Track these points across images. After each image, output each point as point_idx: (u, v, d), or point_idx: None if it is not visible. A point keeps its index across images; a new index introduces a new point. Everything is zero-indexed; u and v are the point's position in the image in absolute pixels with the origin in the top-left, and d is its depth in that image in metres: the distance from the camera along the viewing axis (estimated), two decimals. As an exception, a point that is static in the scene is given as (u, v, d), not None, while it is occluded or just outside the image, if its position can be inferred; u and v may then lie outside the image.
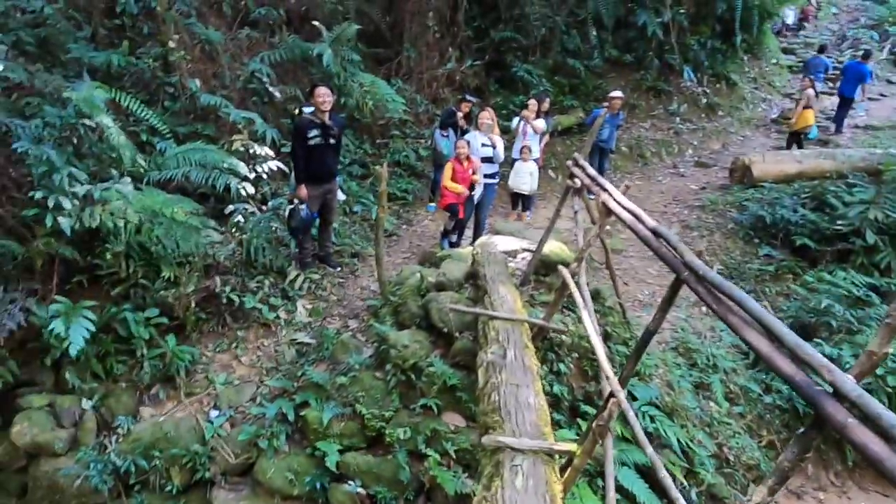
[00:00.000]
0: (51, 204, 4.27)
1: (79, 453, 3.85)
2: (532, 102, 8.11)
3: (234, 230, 5.78)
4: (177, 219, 5.08)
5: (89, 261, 4.69)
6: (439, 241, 6.66)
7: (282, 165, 6.14)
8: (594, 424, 2.43)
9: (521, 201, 8.11)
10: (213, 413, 4.12)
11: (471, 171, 6.35)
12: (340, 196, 5.98)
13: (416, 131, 9.31)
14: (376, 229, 4.89)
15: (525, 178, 7.81)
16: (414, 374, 3.83)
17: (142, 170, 5.87)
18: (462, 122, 7.78)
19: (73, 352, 3.94)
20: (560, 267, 3.83)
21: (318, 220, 5.77)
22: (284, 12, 9.02)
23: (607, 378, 2.65)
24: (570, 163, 4.42)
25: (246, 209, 6.02)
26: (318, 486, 3.65)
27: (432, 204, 8.04)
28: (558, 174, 10.34)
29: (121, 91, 7.51)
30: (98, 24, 8.10)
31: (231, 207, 5.92)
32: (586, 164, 4.16)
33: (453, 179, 6.32)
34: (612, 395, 2.51)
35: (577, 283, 3.54)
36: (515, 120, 8.23)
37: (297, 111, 5.44)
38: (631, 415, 2.41)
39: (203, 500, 3.85)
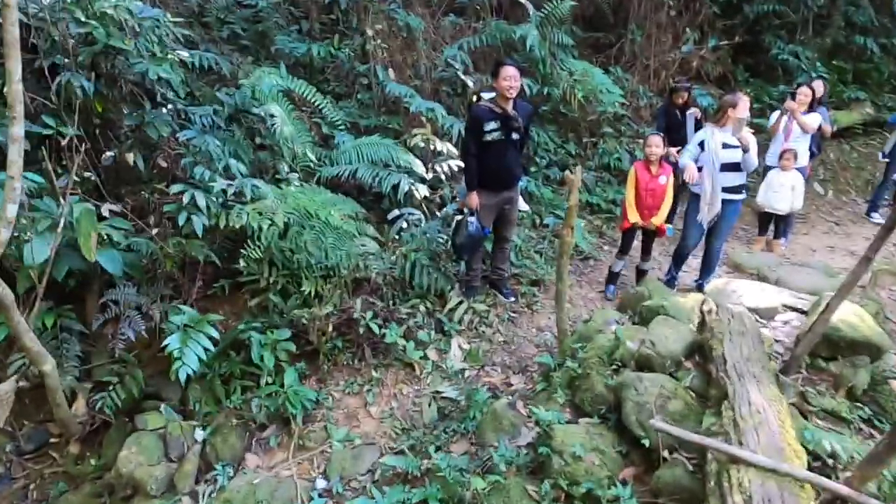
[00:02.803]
0: (185, 200, 3.70)
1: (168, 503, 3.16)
2: (804, 90, 5.78)
3: (394, 240, 4.82)
4: (331, 223, 4.27)
5: (231, 266, 4.08)
6: (606, 284, 4.95)
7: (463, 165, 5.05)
8: None
9: (774, 223, 5.89)
10: (320, 483, 3.13)
11: (663, 181, 4.50)
12: (523, 206, 4.66)
13: (633, 129, 7.51)
14: (559, 257, 3.45)
15: (784, 192, 5.58)
16: None
17: (311, 164, 5.25)
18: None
19: (182, 375, 3.27)
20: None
21: (492, 236, 4.52)
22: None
23: None
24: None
25: (413, 215, 5.03)
26: None
27: (670, 227, 6.21)
28: (828, 189, 7.62)
29: (318, 83, 7.24)
30: (315, 20, 7.91)
31: (395, 212, 4.98)
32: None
33: (637, 194, 4.56)
34: None
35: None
36: (774, 115, 5.99)
37: (474, 97, 4.23)
38: None
39: None
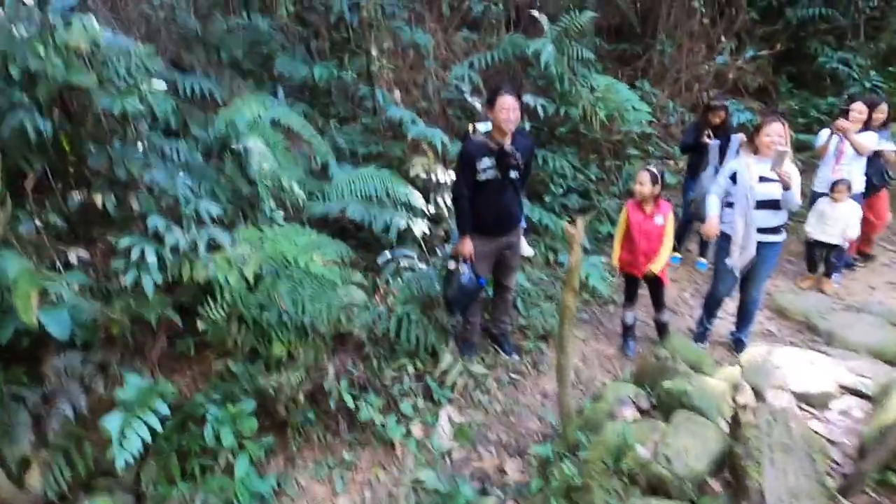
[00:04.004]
0: (134, 255, 3.25)
1: None
2: (858, 107, 5.00)
3: (384, 288, 4.29)
4: (311, 270, 3.77)
5: (196, 324, 3.61)
6: (622, 339, 4.27)
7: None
8: None
9: (825, 258, 5.12)
10: None
11: (659, 221, 3.83)
12: (526, 250, 4.07)
13: (662, 149, 6.81)
14: (560, 325, 2.86)
15: (837, 225, 4.82)
16: None
17: (300, 201, 4.78)
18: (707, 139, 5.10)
19: (118, 464, 2.80)
20: None
21: (490, 282, 3.95)
22: (506, 7, 7.37)
23: None
24: None
25: (407, 257, 4.50)
26: None
27: (702, 260, 5.51)
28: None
29: (323, 106, 6.82)
30: (325, 39, 7.52)
31: (386, 255, 4.45)
32: None
33: (627, 237, 3.90)
34: None
35: None
36: (823, 134, 5.21)
37: (470, 129, 3.67)
38: None
39: None
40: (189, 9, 6.83)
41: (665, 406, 2.70)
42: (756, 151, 3.77)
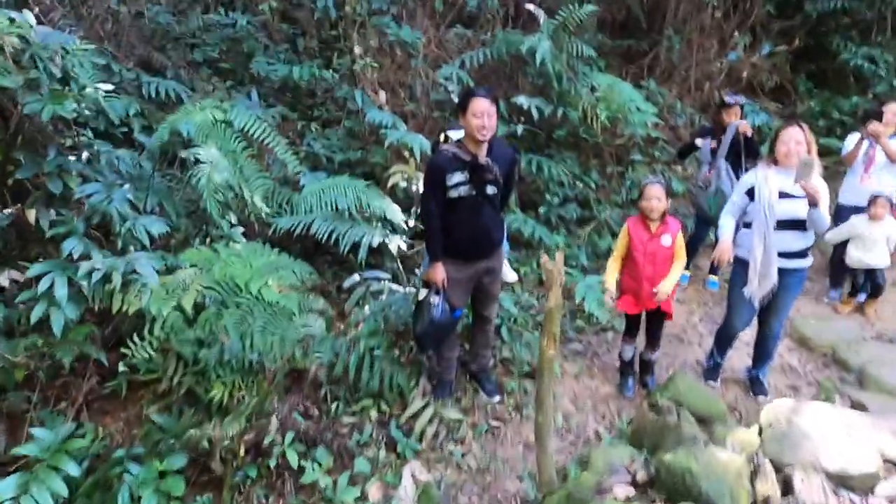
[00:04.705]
0: (41, 288, 2.76)
1: None
2: (894, 108, 4.41)
3: (350, 316, 3.78)
4: (264, 298, 3.26)
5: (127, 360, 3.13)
6: (620, 375, 3.69)
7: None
8: None
9: (863, 281, 4.51)
10: None
11: (666, 242, 3.26)
12: (509, 275, 3.54)
13: (669, 153, 6.23)
14: (539, 376, 2.33)
15: (876, 244, 4.24)
16: None
17: (263, 215, 4.28)
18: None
19: (10, 542, 2.32)
20: None
21: (467, 314, 3.42)
22: (503, 2, 6.81)
23: None
24: None
25: (379, 280, 3.98)
26: None
27: (713, 279, 4.93)
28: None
29: (307, 108, 6.33)
30: (313, 37, 7.03)
31: (354, 278, 3.93)
32: None
33: (630, 255, 3.32)
34: None
35: None
36: (852, 139, 4.61)
37: (440, 137, 3.15)
38: None
39: None
40: (162, 5, 6.37)
41: (665, 483, 2.16)
42: (775, 162, 3.21)
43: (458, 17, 7.13)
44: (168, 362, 3.16)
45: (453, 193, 2.94)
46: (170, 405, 3.12)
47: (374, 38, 6.19)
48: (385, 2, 6.38)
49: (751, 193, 3.21)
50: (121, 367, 2.94)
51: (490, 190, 2.98)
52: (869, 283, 4.43)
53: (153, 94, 5.02)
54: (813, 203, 2.97)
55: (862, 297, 4.52)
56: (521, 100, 5.42)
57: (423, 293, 3.16)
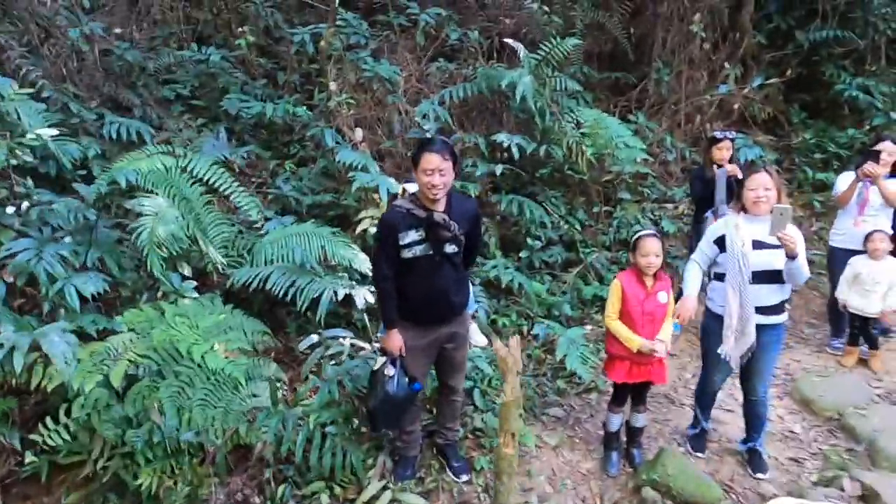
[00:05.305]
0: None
1: None
2: (888, 147, 4.12)
3: (309, 376, 3.42)
4: (207, 365, 2.93)
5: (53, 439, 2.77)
6: (604, 449, 3.28)
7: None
8: None
9: (863, 329, 4.16)
10: None
11: (663, 298, 2.93)
12: (477, 339, 3.21)
13: (660, 191, 5.93)
14: (496, 477, 1.96)
15: (877, 286, 3.90)
16: None
17: (219, 266, 3.97)
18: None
19: None
20: None
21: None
22: (486, 35, 6.60)
23: None
24: None
25: (337, 339, 3.62)
26: None
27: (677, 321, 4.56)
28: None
29: (282, 146, 6.07)
30: (295, 71, 6.81)
31: (312, 339, 3.58)
32: None
33: (625, 316, 2.96)
34: None
35: None
36: (844, 178, 4.29)
37: (400, 190, 2.85)
38: None
39: None
40: (133, 41, 6.17)
41: None
42: (744, 209, 2.91)
43: (440, 50, 6.93)
44: (94, 443, 2.81)
45: (408, 253, 2.62)
46: (92, 493, 2.75)
47: (351, 73, 5.96)
48: (363, 36, 6.17)
49: (721, 243, 2.91)
50: (28, 457, 2.58)
51: (449, 249, 2.66)
52: (863, 335, 4.11)
53: (114, 136, 4.77)
54: (791, 255, 2.68)
55: (864, 348, 4.17)
56: (502, 137, 5.15)
57: (380, 362, 2.82)
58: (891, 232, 4.10)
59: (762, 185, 2.79)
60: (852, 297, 3.98)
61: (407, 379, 2.78)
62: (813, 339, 4.61)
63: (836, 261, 4.26)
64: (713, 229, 3.02)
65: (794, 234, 2.70)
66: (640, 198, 5.74)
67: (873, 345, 4.12)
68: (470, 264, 2.95)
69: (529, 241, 4.86)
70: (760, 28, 7.03)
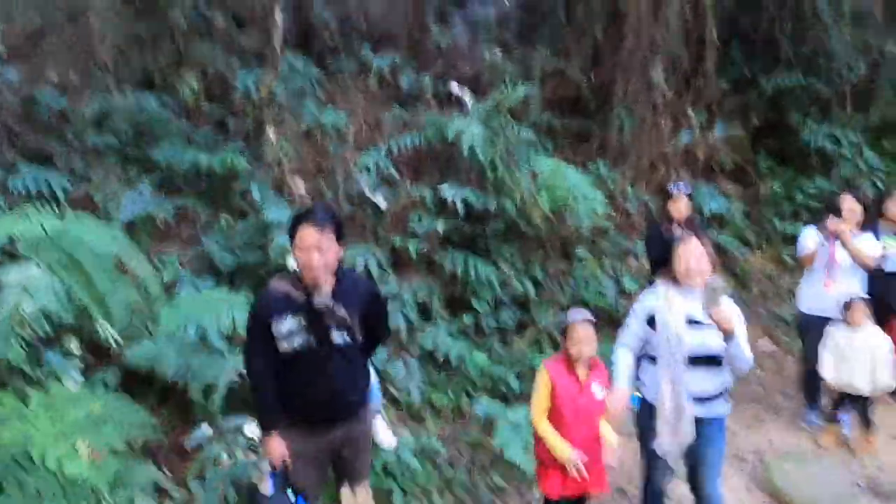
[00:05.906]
0: None
1: None
2: (849, 202, 3.79)
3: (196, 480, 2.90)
4: (64, 471, 2.43)
5: None
6: None
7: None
8: None
9: (845, 403, 3.72)
10: None
11: (599, 394, 2.49)
12: (385, 439, 2.73)
13: (620, 246, 5.56)
14: None
15: (861, 356, 3.49)
16: None
17: (113, 342, 3.48)
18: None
19: None
20: None
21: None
22: (440, 82, 6.33)
23: None
24: None
25: (242, 433, 3.11)
26: None
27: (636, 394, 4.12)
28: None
29: (218, 198, 5.65)
30: (248, 115, 6.44)
31: (204, 432, 3.06)
32: None
33: (555, 413, 2.50)
34: None
35: None
36: (807, 235, 3.94)
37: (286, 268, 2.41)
38: None
39: None
40: (64, 88, 5.80)
41: None
42: (675, 280, 2.51)
43: (395, 96, 6.66)
44: None
45: (285, 345, 2.17)
46: None
47: (294, 121, 5.63)
48: (308, 80, 5.86)
49: (651, 322, 2.49)
50: None
51: (338, 338, 2.21)
52: (854, 411, 3.66)
53: (20, 190, 4.36)
54: (727, 334, 2.29)
55: (846, 428, 3.72)
56: (447, 191, 4.78)
57: (257, 473, 2.33)
58: (865, 295, 3.72)
59: (693, 255, 2.41)
60: (840, 374, 3.55)
61: (292, 492, 2.28)
62: (786, 411, 4.18)
63: (809, 328, 3.88)
64: (643, 306, 2.60)
65: (731, 311, 2.32)
66: (600, 255, 5.34)
67: (868, 426, 3.66)
68: (371, 353, 2.50)
69: (475, 303, 4.42)
70: (724, 74, 6.84)
